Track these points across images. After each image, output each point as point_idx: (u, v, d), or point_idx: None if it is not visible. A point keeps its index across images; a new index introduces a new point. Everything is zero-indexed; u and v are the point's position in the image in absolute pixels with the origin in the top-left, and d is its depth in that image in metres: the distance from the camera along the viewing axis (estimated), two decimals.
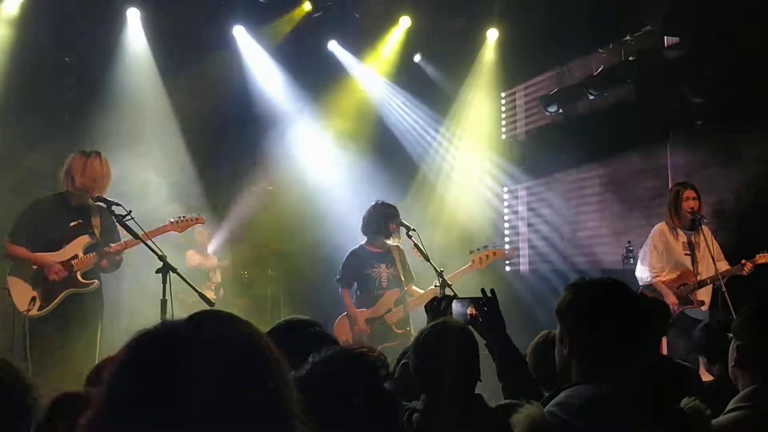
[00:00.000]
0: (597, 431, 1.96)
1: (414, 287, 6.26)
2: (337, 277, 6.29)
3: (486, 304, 3.13)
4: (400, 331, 6.07)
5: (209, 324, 1.13)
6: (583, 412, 1.96)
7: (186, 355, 1.06)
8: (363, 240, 6.29)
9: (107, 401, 1.06)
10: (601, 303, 2.16)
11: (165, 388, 1.04)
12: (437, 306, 3.27)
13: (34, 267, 5.17)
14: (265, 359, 1.12)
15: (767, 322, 2.48)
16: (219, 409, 1.04)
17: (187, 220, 5.55)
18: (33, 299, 5.06)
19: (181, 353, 1.07)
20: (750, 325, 2.51)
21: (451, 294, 5.03)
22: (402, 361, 3.15)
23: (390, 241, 6.09)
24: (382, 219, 6.11)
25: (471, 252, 6.10)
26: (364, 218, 6.24)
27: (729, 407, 2.42)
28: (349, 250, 6.31)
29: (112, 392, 1.07)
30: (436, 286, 5.74)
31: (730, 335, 2.55)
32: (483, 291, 3.20)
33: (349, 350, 1.76)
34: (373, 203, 6.27)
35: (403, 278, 6.17)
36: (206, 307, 4.81)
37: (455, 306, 3.25)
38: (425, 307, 3.37)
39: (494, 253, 6.13)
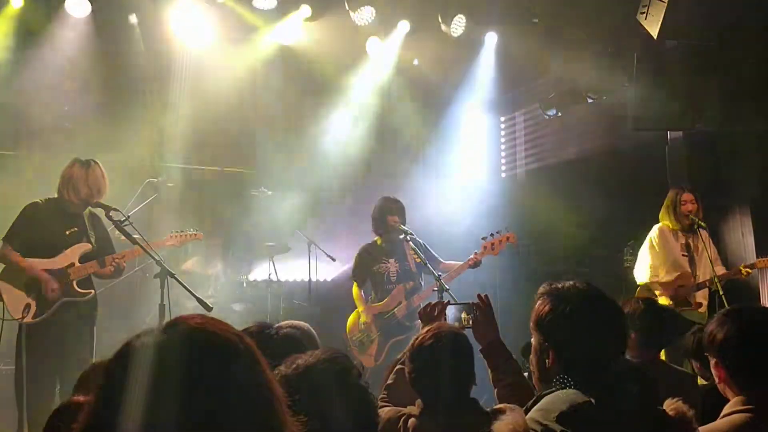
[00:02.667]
0: None
1: (447, 262, 6.19)
2: (351, 275, 6.38)
3: (480, 309, 3.14)
4: (410, 324, 6.08)
5: (193, 330, 1.13)
6: (564, 418, 1.96)
7: (174, 360, 1.07)
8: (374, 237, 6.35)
9: (97, 408, 1.07)
10: (580, 308, 2.17)
11: (156, 394, 1.05)
12: (431, 311, 3.28)
13: (29, 273, 5.12)
14: (250, 361, 1.12)
15: (751, 338, 2.46)
16: (208, 414, 1.05)
17: (186, 235, 5.61)
18: (27, 306, 5.02)
19: (168, 360, 1.07)
20: (735, 343, 2.46)
21: (449, 298, 5.06)
22: (396, 367, 3.17)
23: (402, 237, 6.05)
24: (380, 214, 6.18)
25: (483, 238, 6.05)
26: (372, 216, 6.31)
27: (725, 411, 2.42)
28: (360, 247, 6.38)
29: (101, 400, 1.08)
30: (434, 291, 5.76)
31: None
32: (479, 296, 3.22)
33: (316, 355, 1.77)
34: (378, 201, 6.32)
35: (415, 270, 6.18)
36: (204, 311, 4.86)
37: (450, 311, 3.27)
38: (419, 313, 3.38)
39: (507, 238, 6.07)
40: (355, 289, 6.31)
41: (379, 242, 6.30)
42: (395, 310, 6.10)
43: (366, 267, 6.29)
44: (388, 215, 6.13)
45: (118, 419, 1.04)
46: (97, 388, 1.10)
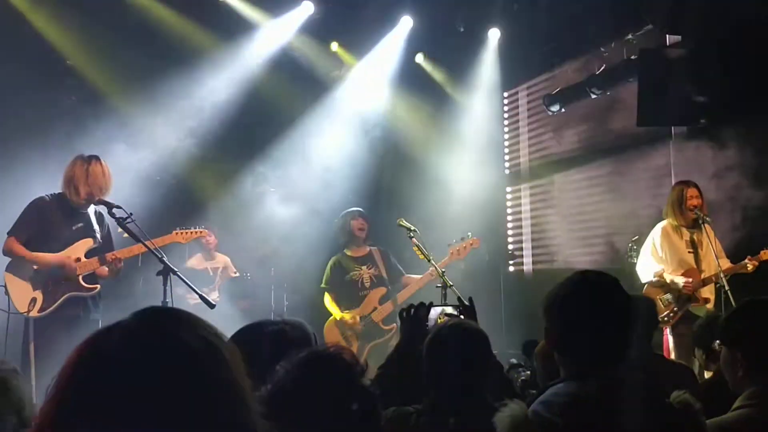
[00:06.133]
0: (581, 429, 1.93)
1: (409, 275, 6.58)
2: (323, 285, 6.63)
3: (464, 312, 3.17)
4: (387, 327, 6.40)
5: (160, 324, 1.11)
6: (567, 410, 1.94)
7: (132, 356, 1.05)
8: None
9: (54, 404, 1.05)
10: (580, 297, 2.13)
11: (110, 395, 1.02)
12: (415, 313, 3.27)
13: (35, 267, 5.12)
14: (214, 358, 1.09)
15: None
16: (163, 417, 1.02)
17: (191, 232, 5.60)
18: (33, 300, 5.02)
19: (129, 354, 1.05)
20: (755, 333, 2.42)
21: (432, 301, 5.07)
22: (379, 371, 3.14)
23: (370, 247, 6.57)
24: (343, 226, 6.55)
25: (449, 245, 6.41)
26: (334, 233, 6.69)
27: (736, 404, 2.39)
28: (331, 260, 6.67)
29: (59, 396, 1.05)
30: (438, 287, 5.75)
31: (717, 344, 2.50)
32: (461, 299, 3.26)
33: (320, 352, 1.73)
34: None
35: (386, 276, 6.49)
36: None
37: (433, 313, 3.29)
38: (399, 314, 3.36)
39: (471, 243, 6.47)
40: (327, 297, 6.55)
41: (348, 252, 6.58)
42: (372, 314, 6.36)
43: (338, 277, 6.54)
44: (352, 220, 6.46)
45: (73, 419, 1.02)
46: (56, 386, 1.07)
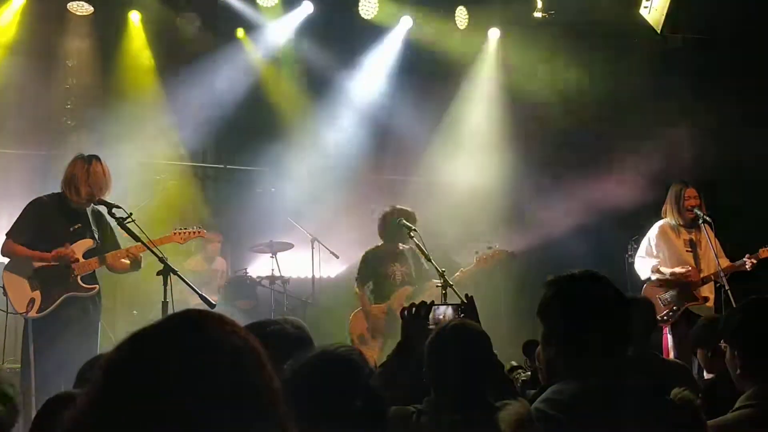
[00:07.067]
0: (585, 426, 1.94)
1: (434, 281, 6.44)
2: (356, 275, 6.65)
3: (464, 309, 3.18)
4: None
5: (202, 325, 1.11)
6: (570, 408, 1.94)
7: (177, 357, 1.05)
8: (379, 242, 6.61)
9: (91, 400, 1.04)
10: (580, 297, 2.14)
11: (152, 390, 1.02)
12: (417, 311, 3.27)
13: (34, 267, 5.11)
14: (255, 359, 1.10)
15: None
16: (206, 415, 1.01)
17: (189, 232, 5.59)
18: (32, 301, 5.01)
19: (174, 354, 1.05)
20: (752, 330, 2.44)
21: (433, 300, 5.10)
22: (380, 369, 3.14)
23: (403, 245, 6.50)
24: (399, 223, 6.28)
25: (476, 252, 6.42)
26: (380, 222, 6.50)
27: (737, 405, 2.39)
28: (366, 251, 6.67)
29: (95, 391, 1.05)
30: (438, 286, 5.78)
31: (723, 343, 2.51)
32: (467, 296, 3.28)
33: (330, 352, 1.74)
34: (388, 208, 6.50)
35: (414, 276, 6.49)
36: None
37: (436, 312, 3.30)
38: (400, 313, 3.37)
39: (498, 254, 6.46)
40: (358, 289, 6.57)
41: (383, 247, 6.56)
42: (398, 311, 6.23)
43: (372, 269, 6.53)
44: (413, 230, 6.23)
45: (116, 418, 1.01)
46: (93, 382, 1.07)
